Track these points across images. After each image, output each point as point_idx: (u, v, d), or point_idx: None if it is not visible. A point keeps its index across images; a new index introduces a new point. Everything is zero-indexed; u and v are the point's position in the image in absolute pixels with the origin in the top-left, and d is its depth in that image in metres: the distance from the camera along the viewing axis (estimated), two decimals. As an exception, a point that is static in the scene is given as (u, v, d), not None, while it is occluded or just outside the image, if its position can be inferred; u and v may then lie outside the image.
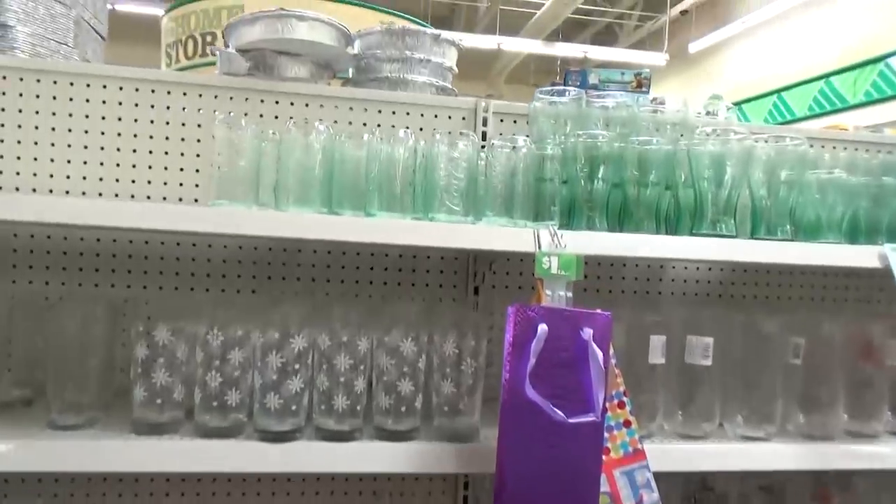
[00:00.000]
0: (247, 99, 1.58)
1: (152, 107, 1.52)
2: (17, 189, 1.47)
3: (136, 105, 1.51)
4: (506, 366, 1.07)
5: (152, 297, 1.49)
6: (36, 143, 1.48)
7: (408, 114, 1.64)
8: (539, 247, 1.16)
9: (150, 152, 1.51)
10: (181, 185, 1.51)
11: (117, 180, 1.49)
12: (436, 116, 1.64)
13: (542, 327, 1.03)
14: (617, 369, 1.12)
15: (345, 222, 1.16)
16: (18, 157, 1.48)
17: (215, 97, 1.56)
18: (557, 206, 1.31)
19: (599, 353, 1.02)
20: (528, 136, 1.33)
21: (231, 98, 1.57)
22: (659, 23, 10.00)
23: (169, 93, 1.53)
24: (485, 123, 1.64)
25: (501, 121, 1.66)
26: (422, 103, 1.64)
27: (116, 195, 1.48)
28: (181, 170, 1.51)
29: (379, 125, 1.62)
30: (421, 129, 1.63)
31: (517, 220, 1.25)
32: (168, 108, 1.52)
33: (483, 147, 1.40)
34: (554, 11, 8.91)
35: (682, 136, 1.52)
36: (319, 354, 1.14)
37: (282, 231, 1.12)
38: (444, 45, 1.75)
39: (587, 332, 1.04)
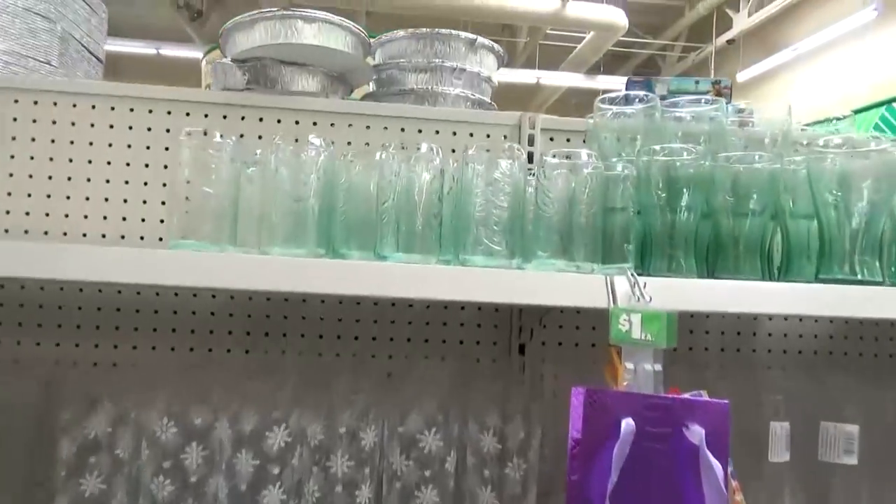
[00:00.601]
0: (243, 118, 1.31)
1: (111, 127, 1.25)
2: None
3: (92, 125, 1.24)
4: (571, 474, 0.73)
5: (90, 361, 1.19)
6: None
7: (437, 132, 1.34)
8: (614, 300, 0.83)
9: (108, 181, 1.24)
10: (143, 220, 1.23)
11: (66, 216, 1.21)
12: (471, 135, 1.34)
13: (628, 424, 0.70)
14: (736, 481, 0.78)
15: (341, 270, 0.85)
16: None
17: (206, 116, 1.29)
18: (633, 245, 0.99)
19: (717, 466, 0.69)
20: (590, 152, 1.01)
21: (225, 117, 1.30)
22: (704, 53, 9.67)
23: (151, 111, 1.27)
24: (531, 143, 1.33)
25: (552, 139, 1.36)
26: (454, 119, 1.35)
27: (65, 234, 1.20)
28: (144, 202, 1.23)
29: (403, 147, 1.33)
30: (453, 151, 1.33)
31: (579, 262, 0.93)
32: (131, 128, 1.25)
33: (531, 169, 1.09)
34: (594, 45, 8.66)
35: (782, 153, 1.19)
36: (309, 451, 0.83)
37: (259, 282, 0.83)
38: (482, 51, 1.46)
39: (696, 432, 0.70)
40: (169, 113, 1.28)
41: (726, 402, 0.72)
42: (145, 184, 1.22)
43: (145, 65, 7.85)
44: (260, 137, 1.30)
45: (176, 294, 1.20)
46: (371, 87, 1.51)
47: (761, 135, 1.23)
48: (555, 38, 9.39)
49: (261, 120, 1.31)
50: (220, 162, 0.92)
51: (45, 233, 1.20)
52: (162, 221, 1.22)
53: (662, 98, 1.28)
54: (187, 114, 1.27)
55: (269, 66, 1.33)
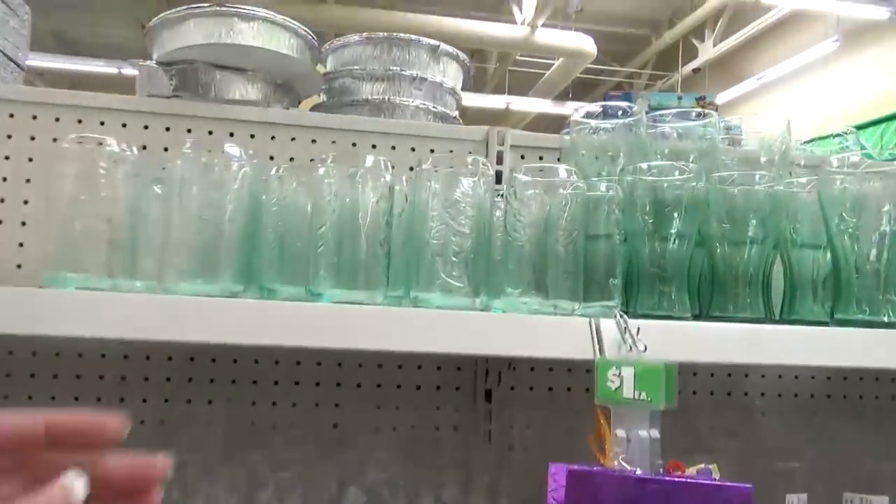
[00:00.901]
0: (167, 129, 1.13)
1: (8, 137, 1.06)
2: None
3: None
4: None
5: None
6: None
7: (393, 147, 1.18)
8: (600, 350, 0.67)
9: None
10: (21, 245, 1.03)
11: None
12: (432, 151, 1.18)
13: (624, 516, 0.54)
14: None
15: (260, 314, 0.67)
16: None
17: (123, 126, 1.11)
18: (619, 279, 0.83)
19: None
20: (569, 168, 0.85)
21: (146, 127, 1.12)
22: (670, 81, 9.76)
23: (57, 119, 1.08)
24: (500, 161, 1.18)
25: (522, 157, 1.20)
26: (412, 133, 1.19)
27: None
28: (23, 224, 1.03)
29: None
30: (411, 169, 1.17)
31: (557, 300, 0.77)
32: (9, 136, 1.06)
33: (500, 190, 0.93)
34: (563, 71, 8.65)
35: (781, 173, 1.06)
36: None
37: (155, 331, 0.65)
38: (445, 59, 1.31)
39: (713, 529, 0.54)
40: (80, 121, 1.10)
41: (749, 486, 0.56)
42: (25, 202, 1.03)
43: (107, 84, 7.58)
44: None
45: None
46: (321, 97, 1.35)
47: (756, 154, 1.09)
48: (524, 65, 9.37)
49: (189, 131, 1.14)
50: (115, 177, 0.74)
51: None
52: (21, 245, 1.02)
53: (663, 115, 1.15)
54: (79, 121, 1.08)
55: (200, 70, 1.16)
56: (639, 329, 0.67)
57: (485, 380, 1.14)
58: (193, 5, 1.13)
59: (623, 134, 1.07)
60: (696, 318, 0.95)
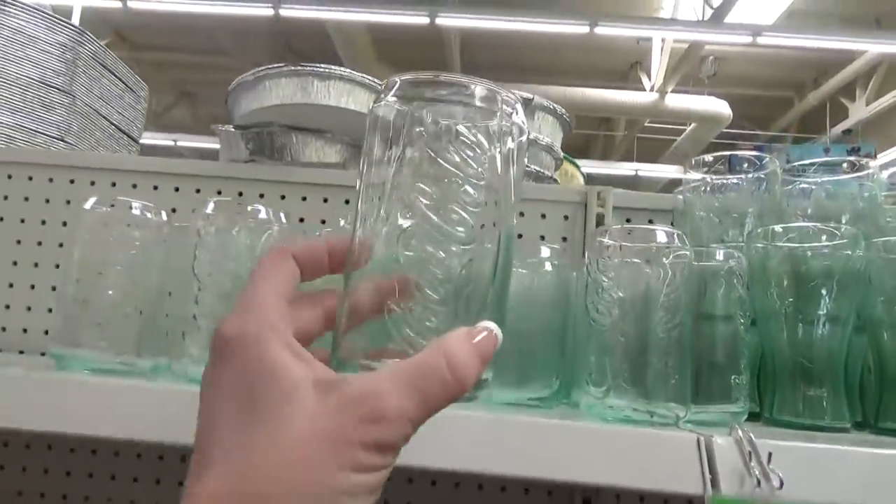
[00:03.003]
0: (241, 193, 1.07)
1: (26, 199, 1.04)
2: None
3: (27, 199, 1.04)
4: None
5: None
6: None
7: (477, 211, 1.04)
8: (713, 483, 0.48)
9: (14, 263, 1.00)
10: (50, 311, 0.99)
11: None
12: (522, 214, 1.04)
13: None
14: None
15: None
16: None
17: (176, 190, 1.07)
18: (746, 377, 0.63)
19: None
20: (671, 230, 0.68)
21: (219, 192, 1.07)
22: (816, 145, 9.05)
23: (113, 184, 1.05)
24: (600, 222, 1.01)
25: (628, 220, 1.03)
26: (499, 196, 1.05)
27: None
28: (53, 289, 0.99)
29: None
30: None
31: (655, 404, 0.58)
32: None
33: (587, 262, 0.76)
34: (695, 136, 8.28)
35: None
36: None
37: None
38: (540, 113, 1.17)
39: None
40: (114, 185, 1.06)
41: None
42: (56, 266, 0.99)
43: (201, 153, 8.15)
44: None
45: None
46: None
47: (932, 215, 0.85)
48: (654, 132, 9.09)
49: (261, 196, 1.07)
50: (141, 241, 0.66)
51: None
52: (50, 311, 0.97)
53: (801, 168, 0.94)
54: (166, 188, 1.05)
55: (276, 133, 1.10)
56: (770, 455, 0.47)
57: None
58: (270, 66, 1.08)
59: (752, 191, 0.88)
60: (859, 427, 0.72)
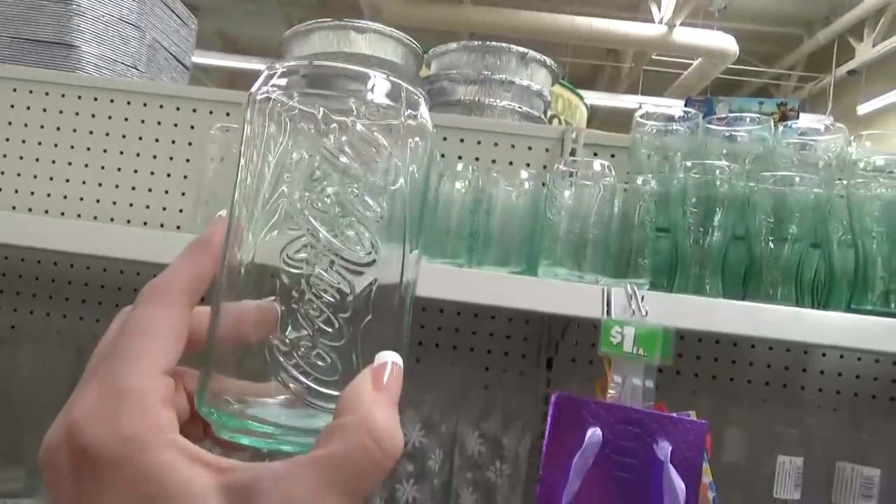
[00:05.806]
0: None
1: (159, 123, 1.36)
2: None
3: (126, 119, 1.37)
4: (540, 480, 0.72)
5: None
6: (21, 158, 1.38)
7: (479, 142, 1.35)
8: (608, 312, 0.81)
9: (135, 171, 1.36)
10: (164, 209, 1.34)
11: (97, 201, 1.36)
12: (513, 146, 1.35)
13: (594, 433, 0.68)
14: (716, 509, 0.74)
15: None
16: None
17: (227, 114, 1.38)
18: (648, 260, 0.96)
19: (679, 485, 0.65)
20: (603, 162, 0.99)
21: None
22: (821, 84, 9.14)
23: (194, 110, 1.37)
24: (573, 155, 1.32)
25: (595, 154, 1.34)
26: (497, 131, 1.36)
27: (95, 217, 1.33)
28: (183, 194, 1.33)
29: (443, 155, 1.35)
30: (494, 161, 1.33)
31: (584, 273, 0.91)
32: (176, 125, 1.37)
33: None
34: (701, 71, 8.39)
35: (839, 179, 1.12)
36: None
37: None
38: (533, 65, 1.46)
39: (663, 448, 0.67)
40: (211, 112, 1.37)
41: (704, 422, 0.68)
42: (168, 175, 1.33)
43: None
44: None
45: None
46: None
47: (815, 158, 1.16)
48: (661, 65, 9.17)
49: (311, 124, 1.37)
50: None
51: (78, 215, 1.34)
52: (181, 211, 1.32)
53: (721, 120, 1.24)
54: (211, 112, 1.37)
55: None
56: (644, 298, 0.80)
57: (547, 348, 1.30)
58: (320, 20, 1.36)
59: (683, 135, 1.18)
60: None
